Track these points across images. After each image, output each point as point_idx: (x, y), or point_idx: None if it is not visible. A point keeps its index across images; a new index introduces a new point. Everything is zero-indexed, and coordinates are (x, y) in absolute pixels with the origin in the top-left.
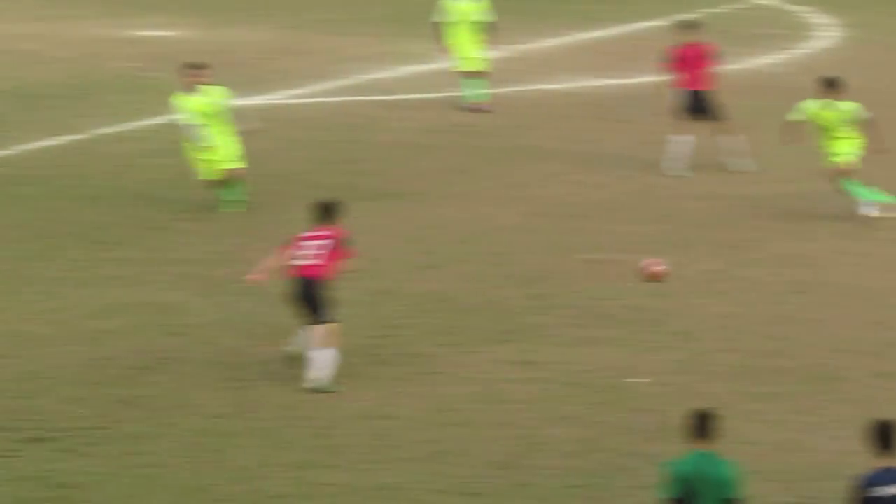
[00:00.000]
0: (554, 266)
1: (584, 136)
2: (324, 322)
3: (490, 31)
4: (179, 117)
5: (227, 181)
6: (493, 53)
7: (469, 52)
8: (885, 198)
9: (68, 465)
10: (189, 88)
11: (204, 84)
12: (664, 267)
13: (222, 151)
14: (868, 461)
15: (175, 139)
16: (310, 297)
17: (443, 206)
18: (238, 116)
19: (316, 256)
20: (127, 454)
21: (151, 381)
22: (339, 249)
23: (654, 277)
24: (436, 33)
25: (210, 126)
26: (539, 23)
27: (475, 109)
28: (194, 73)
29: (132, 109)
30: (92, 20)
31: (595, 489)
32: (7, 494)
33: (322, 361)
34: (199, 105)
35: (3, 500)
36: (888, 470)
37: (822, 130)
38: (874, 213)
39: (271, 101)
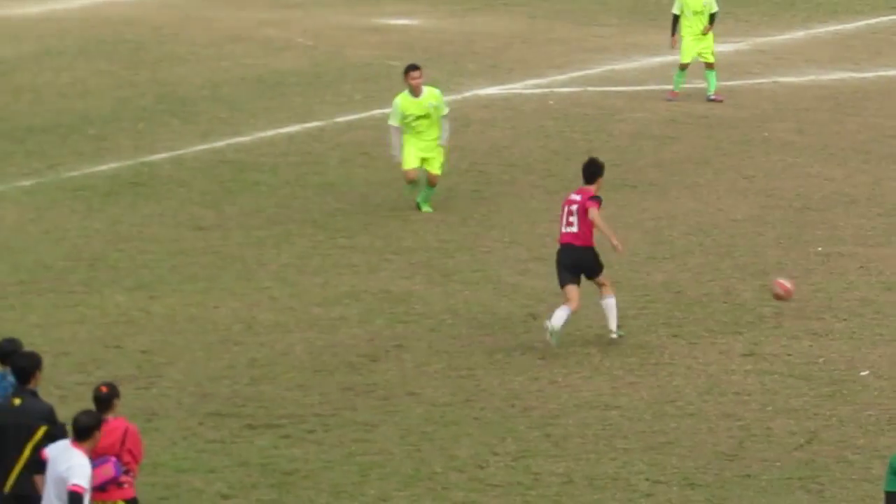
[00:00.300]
0: (786, 258)
1: (822, 129)
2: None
3: (715, 22)
4: (392, 118)
5: (418, 182)
6: (720, 45)
7: (696, 44)
8: None
9: (293, 451)
10: (414, 90)
11: (421, 85)
12: (785, 289)
13: (421, 153)
14: None
15: None
16: (580, 264)
17: (679, 196)
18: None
19: (571, 224)
20: (352, 442)
21: (378, 368)
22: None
23: (779, 297)
24: (673, 25)
25: (419, 128)
26: (780, 15)
27: (715, 100)
28: (416, 74)
29: (370, 98)
30: (333, 8)
31: (818, 482)
32: (233, 480)
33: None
34: (414, 107)
35: (228, 486)
36: None
37: None
38: None
39: (511, 90)
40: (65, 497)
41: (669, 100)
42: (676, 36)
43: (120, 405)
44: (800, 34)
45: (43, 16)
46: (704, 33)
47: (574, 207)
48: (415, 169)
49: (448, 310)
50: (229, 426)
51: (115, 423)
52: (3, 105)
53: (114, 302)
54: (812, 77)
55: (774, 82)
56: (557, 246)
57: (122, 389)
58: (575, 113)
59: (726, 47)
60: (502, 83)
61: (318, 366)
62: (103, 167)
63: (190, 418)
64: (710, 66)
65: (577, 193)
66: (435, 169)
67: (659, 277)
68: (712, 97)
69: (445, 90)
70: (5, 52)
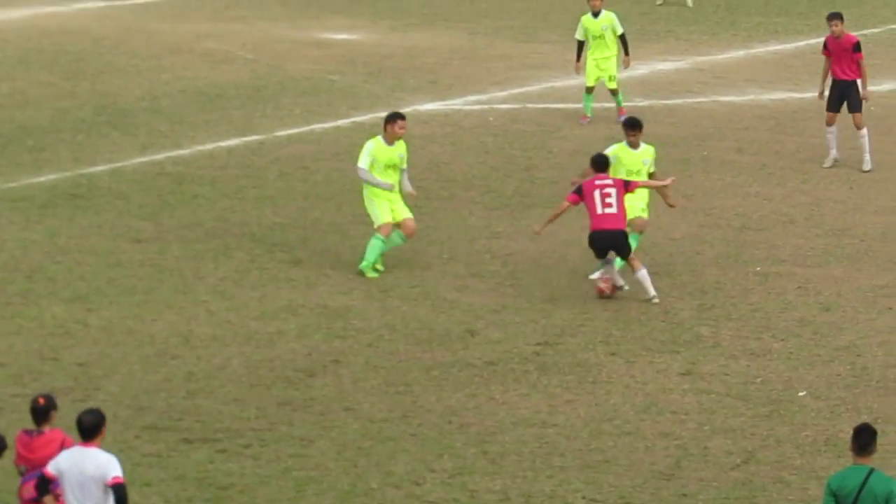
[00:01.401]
0: (725, 278)
1: (761, 149)
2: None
3: (624, 44)
4: (362, 160)
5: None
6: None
7: (598, 68)
8: None
9: (230, 466)
10: (390, 138)
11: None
12: (605, 285)
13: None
14: None
15: (350, 143)
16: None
17: None
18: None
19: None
20: (288, 457)
21: (315, 384)
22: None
23: (601, 293)
24: (578, 51)
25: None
26: (721, 34)
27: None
28: (403, 124)
29: (310, 112)
30: (274, 21)
31: (755, 502)
32: (168, 494)
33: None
34: (386, 156)
35: (164, 500)
36: None
37: None
38: None
39: (451, 106)
40: (98, 496)
41: (582, 123)
42: (581, 61)
43: (57, 417)
44: (740, 53)
45: None
46: (626, 65)
47: (612, 190)
48: (389, 224)
49: (386, 325)
50: (165, 440)
51: (52, 434)
52: None
53: (51, 314)
54: (752, 96)
55: (714, 101)
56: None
57: (58, 402)
58: (515, 129)
59: (666, 66)
60: (442, 99)
61: (255, 380)
62: (42, 178)
63: (126, 431)
64: (614, 92)
65: (607, 178)
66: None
67: (595, 296)
68: (620, 115)
69: (385, 105)
70: None
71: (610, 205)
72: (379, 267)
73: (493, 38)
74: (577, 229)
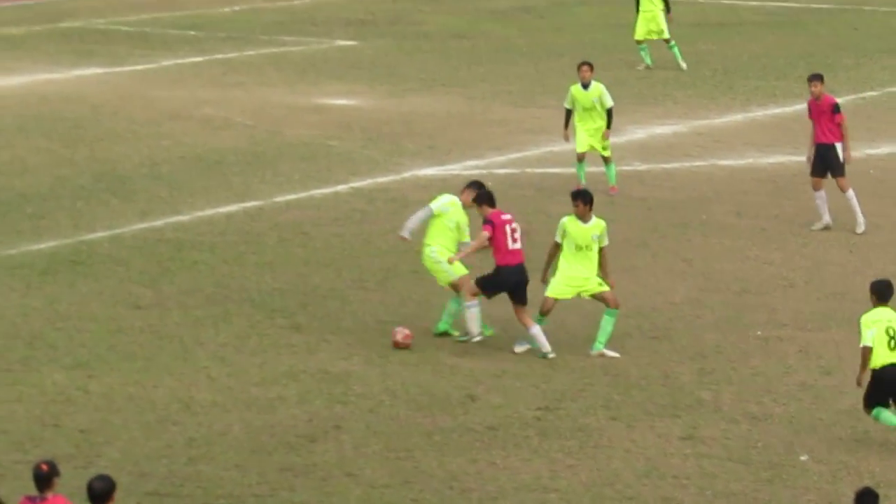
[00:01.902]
0: (725, 342)
1: (761, 212)
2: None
3: (609, 117)
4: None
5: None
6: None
7: (589, 136)
8: None
9: None
10: (467, 204)
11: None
12: (401, 336)
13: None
14: None
15: (349, 209)
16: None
17: (617, 279)
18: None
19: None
20: None
21: (316, 449)
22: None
23: (398, 346)
24: (565, 119)
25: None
26: (719, 97)
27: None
28: (467, 192)
29: (308, 177)
30: (273, 87)
31: None
32: None
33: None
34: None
35: None
36: None
37: None
38: None
39: (450, 171)
40: None
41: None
42: (569, 129)
43: (59, 483)
44: (739, 117)
45: None
46: (605, 137)
47: (517, 226)
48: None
49: (386, 390)
50: None
51: (55, 501)
52: None
53: (52, 380)
54: (751, 160)
55: (713, 165)
56: (508, 268)
57: (61, 468)
58: (514, 194)
59: (664, 129)
60: (441, 164)
61: (256, 446)
62: (41, 245)
63: (128, 498)
64: (606, 160)
65: (508, 214)
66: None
67: (597, 360)
68: (612, 192)
69: (384, 170)
70: None
71: (517, 240)
72: (487, 331)
73: (491, 103)
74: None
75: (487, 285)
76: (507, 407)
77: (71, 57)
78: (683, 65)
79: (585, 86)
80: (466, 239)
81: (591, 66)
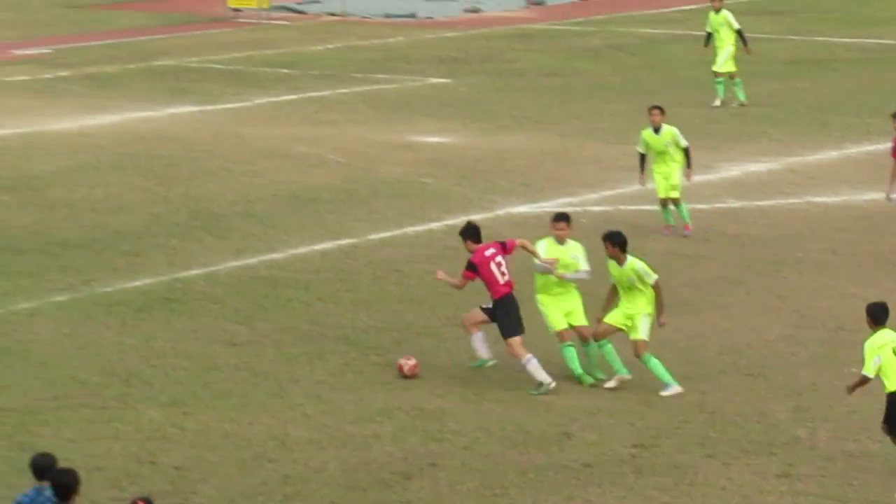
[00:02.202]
0: (820, 379)
1: (856, 249)
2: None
3: (687, 156)
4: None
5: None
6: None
7: (666, 180)
8: None
9: None
10: (558, 239)
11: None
12: (409, 364)
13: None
14: None
15: (442, 246)
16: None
17: (711, 316)
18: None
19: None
20: None
21: (412, 486)
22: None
23: (406, 377)
24: (640, 164)
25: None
26: (813, 135)
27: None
28: (558, 225)
29: (402, 215)
30: (366, 125)
31: None
32: None
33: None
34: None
35: None
36: None
37: None
38: None
39: (543, 209)
40: None
41: (665, 234)
42: (644, 174)
43: None
44: (833, 154)
45: (77, 131)
46: (688, 178)
47: (501, 258)
48: (566, 330)
49: (481, 428)
50: None
51: None
52: (37, 220)
53: (147, 417)
54: (846, 197)
55: (808, 202)
56: (496, 298)
57: None
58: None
59: (759, 166)
60: (534, 201)
61: (351, 483)
62: (137, 283)
63: None
64: (675, 201)
65: (491, 247)
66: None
67: (693, 398)
68: (685, 231)
69: (478, 208)
70: (40, 168)
71: (505, 273)
72: (598, 374)
73: (584, 140)
74: (670, 331)
75: (508, 325)
76: (601, 444)
77: (165, 95)
78: (741, 95)
79: (657, 130)
80: (580, 267)
81: (661, 109)
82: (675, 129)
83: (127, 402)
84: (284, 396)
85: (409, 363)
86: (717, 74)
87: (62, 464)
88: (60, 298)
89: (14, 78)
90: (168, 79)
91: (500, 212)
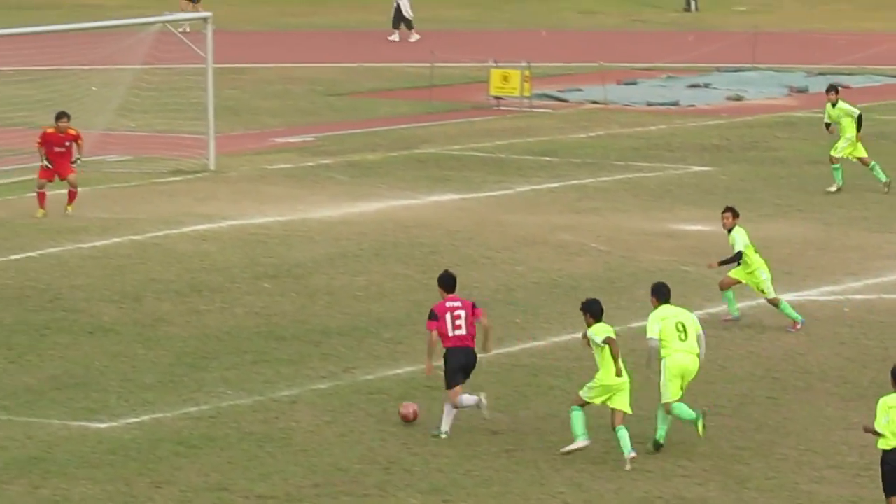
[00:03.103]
0: None
1: None
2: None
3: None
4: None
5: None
6: None
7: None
8: None
9: None
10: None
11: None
12: (409, 411)
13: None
14: None
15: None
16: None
17: None
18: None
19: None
20: None
21: None
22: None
23: (405, 419)
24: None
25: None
26: None
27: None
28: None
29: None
30: (627, 213)
31: None
32: None
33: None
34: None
35: None
36: None
37: None
38: None
39: (806, 297)
40: None
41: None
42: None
43: None
44: None
45: (339, 219)
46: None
47: (462, 313)
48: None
49: None
50: None
51: None
52: (299, 308)
53: None
54: None
55: None
56: (454, 349)
57: None
58: (870, 320)
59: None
60: (797, 290)
61: None
62: (398, 370)
63: None
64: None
65: (458, 300)
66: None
67: None
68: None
69: (739, 296)
70: (302, 256)
71: (459, 326)
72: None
73: (848, 229)
74: None
75: (450, 376)
76: None
77: (427, 183)
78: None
79: (730, 230)
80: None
81: (733, 211)
82: (738, 233)
83: (387, 490)
84: (545, 484)
85: (410, 409)
86: (833, 160)
87: None
88: (322, 386)
89: (277, 166)
90: (430, 166)
91: (762, 299)
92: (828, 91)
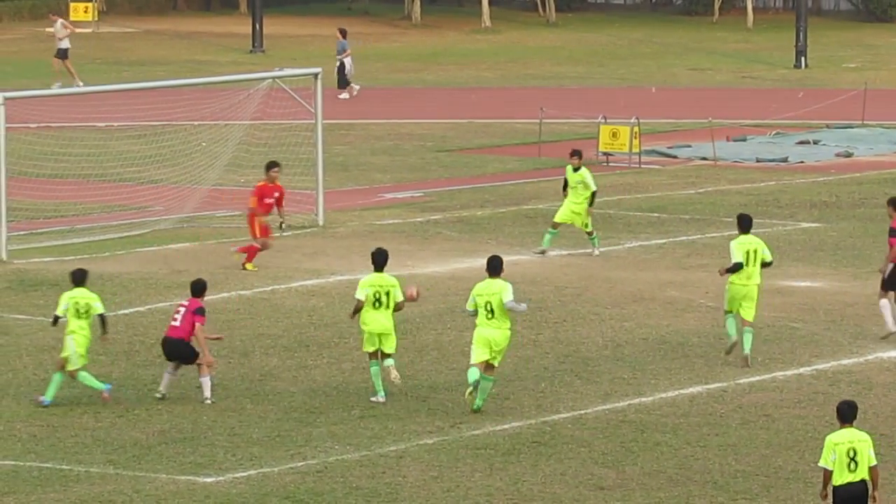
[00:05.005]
0: None
1: None
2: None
3: None
4: None
5: None
6: None
7: None
8: None
9: None
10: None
11: None
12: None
13: None
14: None
15: (811, 391)
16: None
17: None
18: None
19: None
20: None
21: None
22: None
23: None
24: None
25: None
26: None
27: None
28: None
29: (771, 360)
30: None
31: None
32: None
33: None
34: None
35: None
36: None
37: None
38: None
39: None
40: None
41: None
42: None
43: None
44: None
45: (448, 274)
46: None
47: (181, 308)
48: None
49: None
50: None
51: None
52: (408, 363)
53: None
54: None
55: None
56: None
57: None
58: None
59: None
60: None
61: None
62: (505, 426)
63: None
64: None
65: (182, 307)
66: None
67: None
68: None
69: (847, 353)
70: (411, 311)
71: (175, 319)
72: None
73: None
74: None
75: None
76: None
77: (535, 239)
78: None
79: None
80: None
81: None
82: None
83: None
84: None
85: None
86: None
87: None
88: (428, 441)
89: (386, 221)
90: (538, 223)
91: (871, 356)
92: None
